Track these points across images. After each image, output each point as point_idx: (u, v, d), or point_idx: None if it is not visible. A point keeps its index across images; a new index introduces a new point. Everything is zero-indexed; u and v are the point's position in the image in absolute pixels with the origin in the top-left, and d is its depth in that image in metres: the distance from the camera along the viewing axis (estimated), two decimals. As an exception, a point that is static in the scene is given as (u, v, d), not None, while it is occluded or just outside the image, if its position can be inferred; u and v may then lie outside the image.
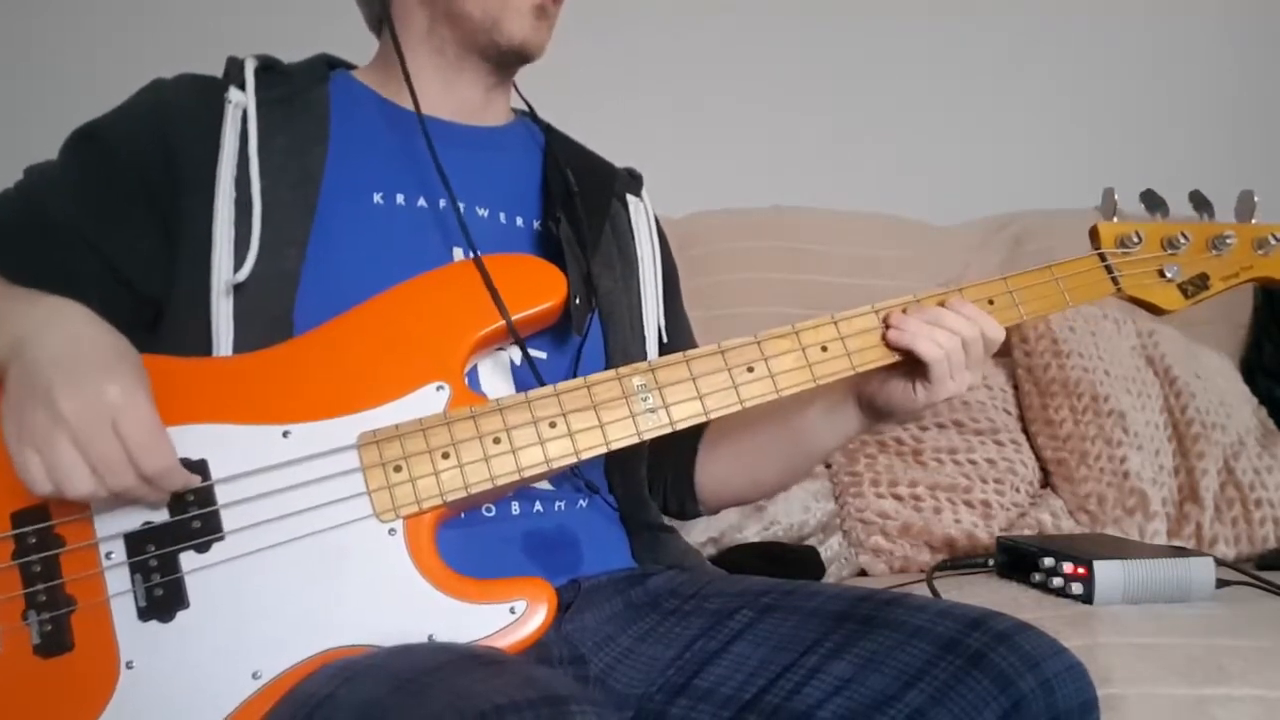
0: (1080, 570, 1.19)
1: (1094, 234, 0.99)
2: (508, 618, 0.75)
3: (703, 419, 0.84)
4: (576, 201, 0.99)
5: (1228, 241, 0.99)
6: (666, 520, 1.07)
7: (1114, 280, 0.97)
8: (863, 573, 1.55)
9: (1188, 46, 2.20)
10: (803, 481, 1.57)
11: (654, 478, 1.08)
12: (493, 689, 0.60)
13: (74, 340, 0.73)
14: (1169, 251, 0.98)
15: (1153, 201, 1.00)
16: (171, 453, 0.72)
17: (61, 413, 0.69)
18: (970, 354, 0.90)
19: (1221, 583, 1.22)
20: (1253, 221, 1.00)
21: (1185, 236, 0.98)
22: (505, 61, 0.99)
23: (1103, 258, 0.97)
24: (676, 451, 1.07)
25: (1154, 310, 0.99)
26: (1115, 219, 0.99)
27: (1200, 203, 1.01)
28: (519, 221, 0.98)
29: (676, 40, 2.07)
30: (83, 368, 0.71)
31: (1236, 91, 2.22)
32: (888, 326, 0.90)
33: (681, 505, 1.10)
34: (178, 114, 0.90)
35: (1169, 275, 0.98)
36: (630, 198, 1.10)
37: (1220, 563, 1.25)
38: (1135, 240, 0.97)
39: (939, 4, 2.15)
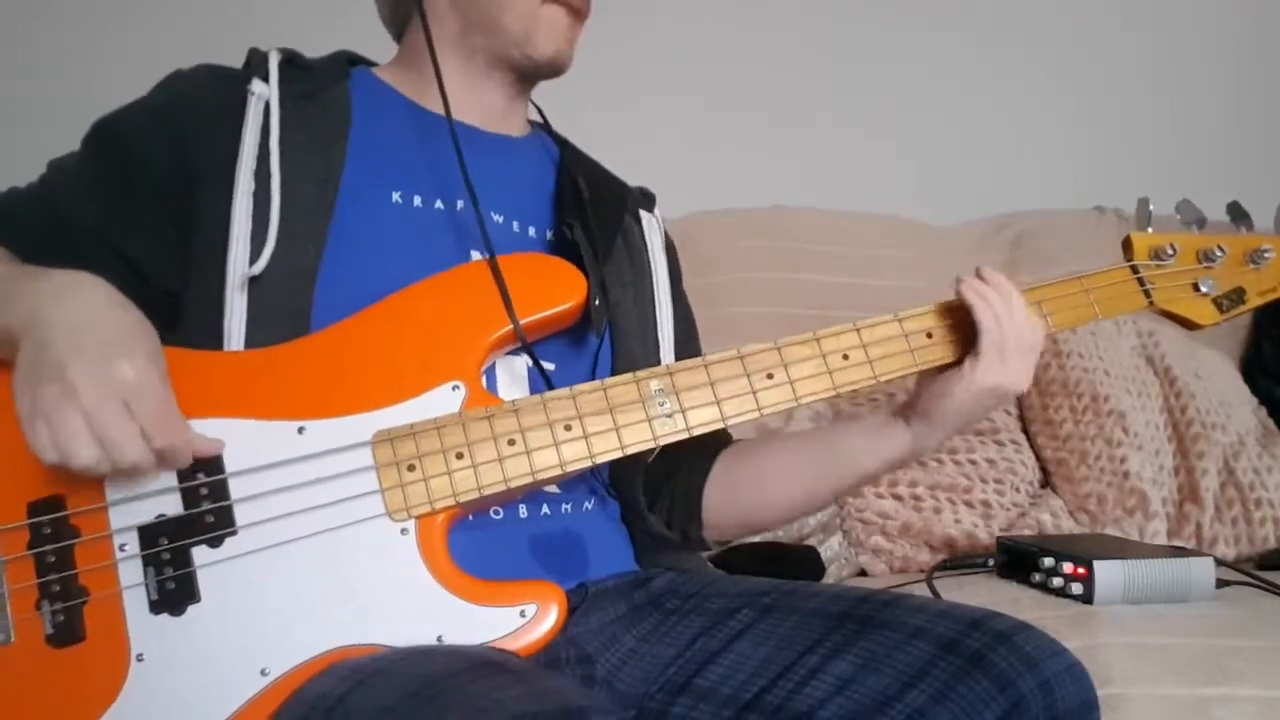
0: (1080, 570, 1.19)
1: (1127, 245, 0.95)
2: (518, 621, 0.75)
3: (720, 425, 0.83)
4: (589, 211, 0.98)
5: (1266, 255, 0.95)
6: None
7: (1146, 293, 0.93)
8: (863, 573, 1.55)
9: (1189, 47, 2.21)
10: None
11: (660, 491, 1.04)
12: (509, 699, 0.59)
13: (89, 314, 0.72)
14: (1204, 265, 0.94)
15: (1189, 213, 0.96)
16: (184, 427, 0.72)
17: (73, 385, 0.68)
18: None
19: (1221, 583, 1.22)
20: None
21: (1222, 249, 0.94)
22: (533, 75, 0.99)
23: (1135, 269, 0.94)
24: (689, 464, 1.04)
25: (1187, 325, 0.95)
26: (1150, 229, 0.95)
27: (1238, 214, 0.97)
28: (531, 232, 0.98)
29: (677, 40, 2.06)
30: (96, 342, 0.70)
31: (1238, 93, 2.23)
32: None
33: (685, 527, 1.04)
34: (196, 106, 0.89)
35: (1204, 289, 0.94)
36: (643, 214, 1.10)
37: (1220, 563, 1.25)
38: (1170, 252, 0.94)
39: (939, 4, 2.15)
